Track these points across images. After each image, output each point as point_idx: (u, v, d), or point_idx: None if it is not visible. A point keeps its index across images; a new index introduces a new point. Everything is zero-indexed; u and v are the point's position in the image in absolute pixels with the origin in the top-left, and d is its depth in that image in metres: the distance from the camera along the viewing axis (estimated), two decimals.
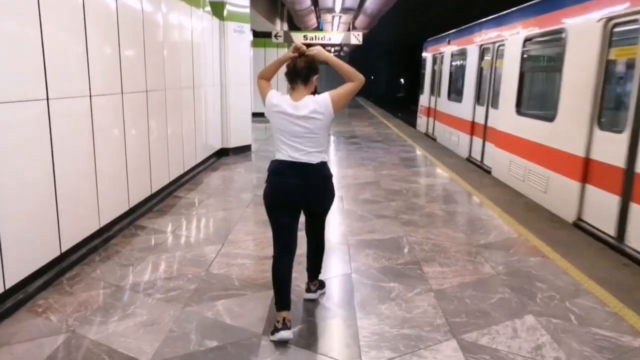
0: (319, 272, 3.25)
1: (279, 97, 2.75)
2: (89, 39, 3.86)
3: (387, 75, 43.94)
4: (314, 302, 3.23)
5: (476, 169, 7.95)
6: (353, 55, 38.47)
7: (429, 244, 4.34)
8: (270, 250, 3.92)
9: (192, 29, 6.71)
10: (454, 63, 10.47)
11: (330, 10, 12.41)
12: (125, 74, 4.53)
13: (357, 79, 2.72)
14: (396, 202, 5.72)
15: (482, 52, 8.41)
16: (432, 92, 12.30)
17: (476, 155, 8.42)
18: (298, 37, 12.22)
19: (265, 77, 2.89)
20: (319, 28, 14.92)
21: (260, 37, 15.18)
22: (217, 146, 8.45)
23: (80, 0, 3.75)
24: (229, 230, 4.65)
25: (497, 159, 7.16)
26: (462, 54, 9.60)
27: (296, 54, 2.78)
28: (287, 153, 2.72)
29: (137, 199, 4.96)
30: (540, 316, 3.07)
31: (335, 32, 13.89)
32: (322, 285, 3.35)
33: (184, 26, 6.40)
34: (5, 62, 2.91)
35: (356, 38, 12.71)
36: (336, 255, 4.07)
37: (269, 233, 4.52)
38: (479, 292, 3.42)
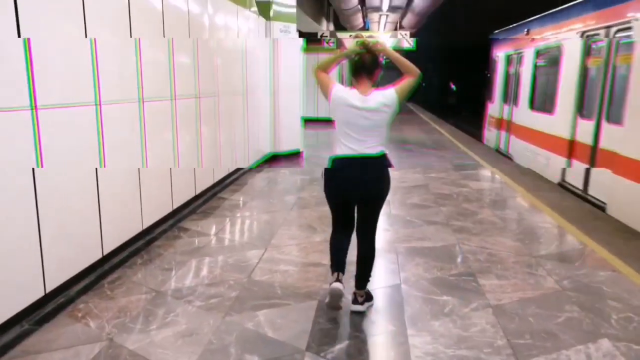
0: (367, 280, 3.07)
1: (346, 90, 2.83)
2: (142, 46, 3.81)
3: (438, 81, 42.76)
4: (361, 315, 3.01)
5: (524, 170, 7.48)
6: None
7: (484, 253, 4.02)
8: (314, 257, 3.77)
9: (238, 29, 6.64)
10: (540, 61, 8.17)
11: (377, 8, 12.09)
12: (177, 80, 4.48)
13: (415, 73, 2.81)
14: (446, 207, 5.41)
15: (588, 44, 6.18)
16: (505, 99, 10.00)
17: (576, 182, 6.17)
18: (344, 38, 12.00)
19: (324, 69, 2.93)
20: (365, 28, 14.63)
21: (308, 39, 14.93)
22: (267, 151, 8.35)
23: (126, 3, 3.70)
24: (273, 234, 4.50)
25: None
26: (553, 48, 7.43)
27: (363, 50, 2.85)
28: (350, 146, 2.78)
29: (181, 200, 4.90)
30: (617, 341, 2.73)
31: (383, 32, 13.58)
32: (369, 297, 3.16)
33: (231, 28, 6.33)
34: (59, 67, 2.88)
35: (407, 41, 12.35)
36: (384, 264, 3.83)
37: (312, 238, 4.39)
38: (544, 309, 3.10)
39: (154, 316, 2.96)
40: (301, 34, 15.37)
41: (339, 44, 11.90)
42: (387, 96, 2.79)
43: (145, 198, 4.09)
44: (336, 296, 2.82)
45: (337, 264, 2.95)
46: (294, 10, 8.70)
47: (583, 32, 6.27)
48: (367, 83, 2.84)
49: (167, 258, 3.92)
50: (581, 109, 6.25)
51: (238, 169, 6.90)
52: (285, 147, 8.63)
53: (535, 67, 8.30)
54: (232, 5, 6.36)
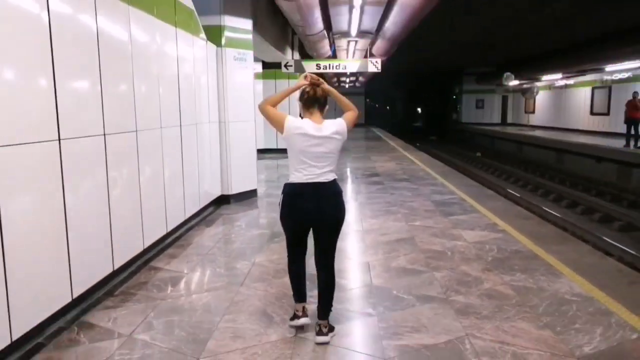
0: (330, 310, 3.14)
1: (300, 121, 2.99)
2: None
3: (404, 105, 42.84)
4: None
5: (525, 213, 6.45)
6: (369, 85, 37.52)
7: (508, 354, 2.86)
8: None
9: (177, 56, 5.50)
10: None
11: (345, 34, 11.09)
12: (64, 113, 3.26)
13: (355, 109, 3.15)
14: (441, 271, 4.27)
15: None
16: None
17: None
18: (310, 66, 11.00)
19: (272, 104, 3.06)
20: (332, 56, 13.68)
21: (271, 68, 14.10)
22: (216, 193, 7.12)
23: None
24: (211, 329, 3.24)
25: None
26: None
27: (309, 83, 3.08)
28: (305, 173, 2.93)
29: (87, 284, 3.62)
30: None
31: (351, 60, 12.64)
32: (332, 328, 3.13)
33: (165, 53, 5.19)
34: None
35: (374, 65, 11.47)
36: None
37: (267, 336, 3.10)
38: None
39: None
40: (265, 65, 14.50)
41: (300, 69, 10.91)
42: (338, 125, 3.02)
43: (16, 292, 2.80)
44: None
45: (301, 295, 3.19)
46: (249, 36, 7.66)
47: None
48: (319, 115, 3.05)
49: None
50: None
51: (182, 224, 5.65)
52: (237, 186, 7.44)
53: None
54: (169, 27, 5.23)
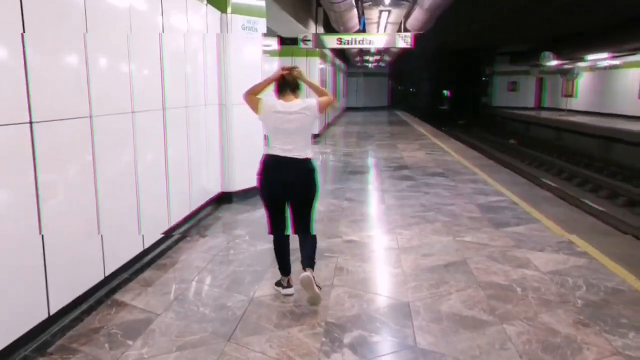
0: (313, 262, 3.26)
1: (272, 100, 3.27)
2: None
3: (430, 88, 40.89)
4: None
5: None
6: (394, 67, 35.78)
7: None
8: None
9: (163, 22, 4.27)
10: None
11: (377, 2, 9.60)
12: None
13: (328, 95, 3.40)
14: (514, 323, 3.00)
15: None
16: None
17: None
18: (331, 40, 9.64)
19: (254, 93, 3.31)
20: (360, 29, 12.14)
21: (290, 44, 12.73)
22: (215, 191, 5.93)
23: None
24: None
25: None
26: None
27: (286, 72, 3.30)
28: (280, 147, 3.16)
29: (4, 341, 2.46)
30: None
31: (377, 34, 11.17)
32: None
33: (143, 14, 3.97)
34: None
35: (403, 40, 10.03)
36: None
37: None
38: None
39: None
40: (283, 40, 13.13)
41: (320, 45, 9.51)
42: (307, 102, 3.25)
43: None
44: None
45: (286, 269, 3.41)
46: (262, 2, 6.36)
47: None
48: (292, 97, 3.27)
49: None
50: None
51: (172, 229, 4.47)
52: (241, 182, 6.22)
53: None
54: None
